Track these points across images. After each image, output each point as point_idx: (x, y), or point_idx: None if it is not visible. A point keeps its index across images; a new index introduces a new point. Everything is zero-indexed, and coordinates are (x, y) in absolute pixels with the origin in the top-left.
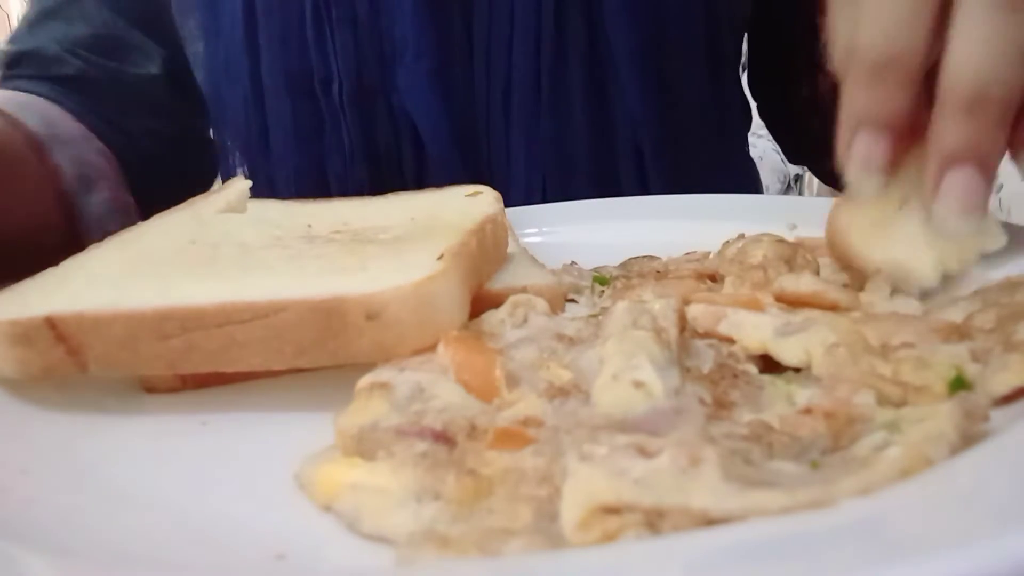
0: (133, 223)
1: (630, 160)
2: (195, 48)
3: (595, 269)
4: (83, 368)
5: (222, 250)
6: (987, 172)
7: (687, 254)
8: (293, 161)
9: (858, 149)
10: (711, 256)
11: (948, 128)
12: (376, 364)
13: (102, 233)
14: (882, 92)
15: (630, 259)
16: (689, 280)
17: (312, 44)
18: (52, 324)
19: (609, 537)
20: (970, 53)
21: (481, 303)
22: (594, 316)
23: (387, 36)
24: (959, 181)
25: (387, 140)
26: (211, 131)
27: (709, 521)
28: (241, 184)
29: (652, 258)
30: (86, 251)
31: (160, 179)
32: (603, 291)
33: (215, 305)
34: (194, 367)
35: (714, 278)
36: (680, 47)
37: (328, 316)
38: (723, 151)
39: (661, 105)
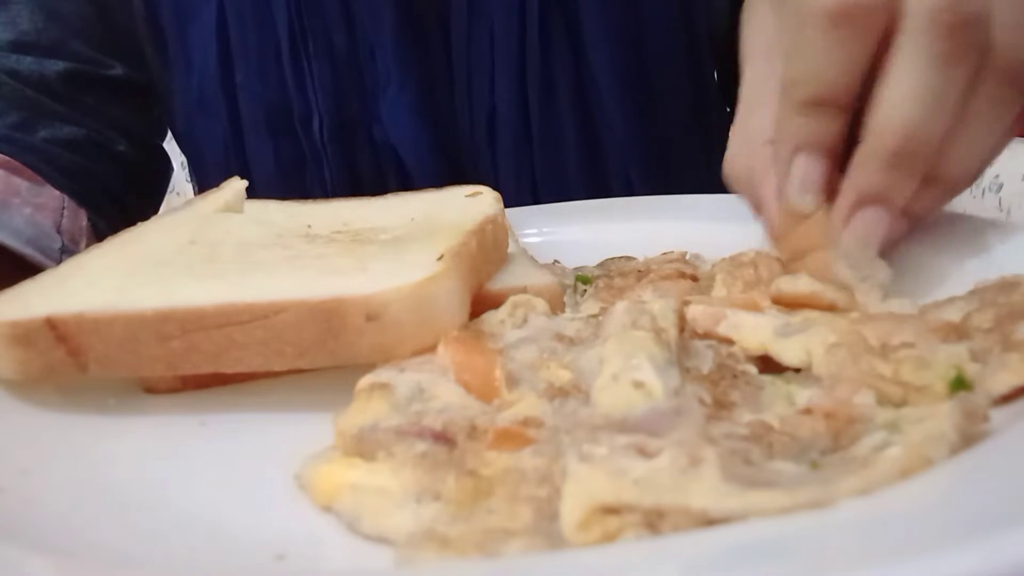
0: (89, 234)
1: (622, 187)
2: (165, 78)
3: (576, 268)
4: (83, 369)
5: (222, 250)
6: (894, 213)
7: (664, 254)
8: (274, 197)
9: (796, 171)
10: (687, 255)
11: (868, 172)
12: (376, 365)
13: (56, 251)
14: (814, 123)
15: (608, 259)
16: (683, 281)
17: (290, 80)
18: (53, 325)
19: (609, 537)
20: (900, 104)
21: (481, 303)
22: (594, 316)
23: (367, 68)
24: (868, 218)
25: (370, 172)
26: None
27: (709, 521)
28: (237, 184)
29: (629, 258)
30: (86, 251)
31: (94, 189)
32: (585, 290)
33: (215, 307)
34: (194, 368)
35: (695, 278)
36: (662, 67)
37: (328, 317)
38: (711, 163)
39: (646, 129)
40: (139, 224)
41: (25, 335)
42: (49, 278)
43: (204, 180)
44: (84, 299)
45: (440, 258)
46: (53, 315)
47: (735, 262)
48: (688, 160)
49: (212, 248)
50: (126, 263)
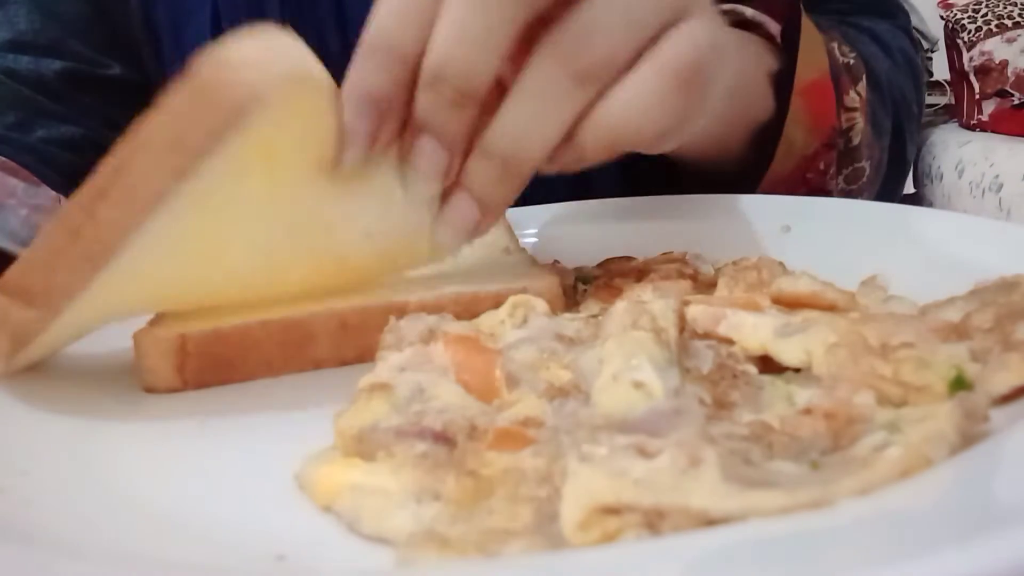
0: None
1: (604, 188)
2: (161, 78)
3: (576, 268)
4: (40, 319)
5: None
6: (447, 146)
7: (664, 254)
8: None
9: (348, 121)
10: (687, 255)
11: (417, 100)
12: (377, 361)
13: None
14: (368, 71)
15: (608, 259)
16: (683, 281)
17: None
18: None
19: (609, 537)
20: (439, 35)
21: (481, 303)
22: (594, 316)
23: None
24: (422, 146)
25: None
26: None
27: (709, 521)
28: None
29: (629, 258)
30: None
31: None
32: (585, 290)
33: (104, 172)
34: (109, 243)
35: (695, 278)
36: None
37: (191, 92)
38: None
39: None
40: None
41: None
42: None
43: None
44: None
45: None
46: None
47: (739, 266)
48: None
49: None
50: None
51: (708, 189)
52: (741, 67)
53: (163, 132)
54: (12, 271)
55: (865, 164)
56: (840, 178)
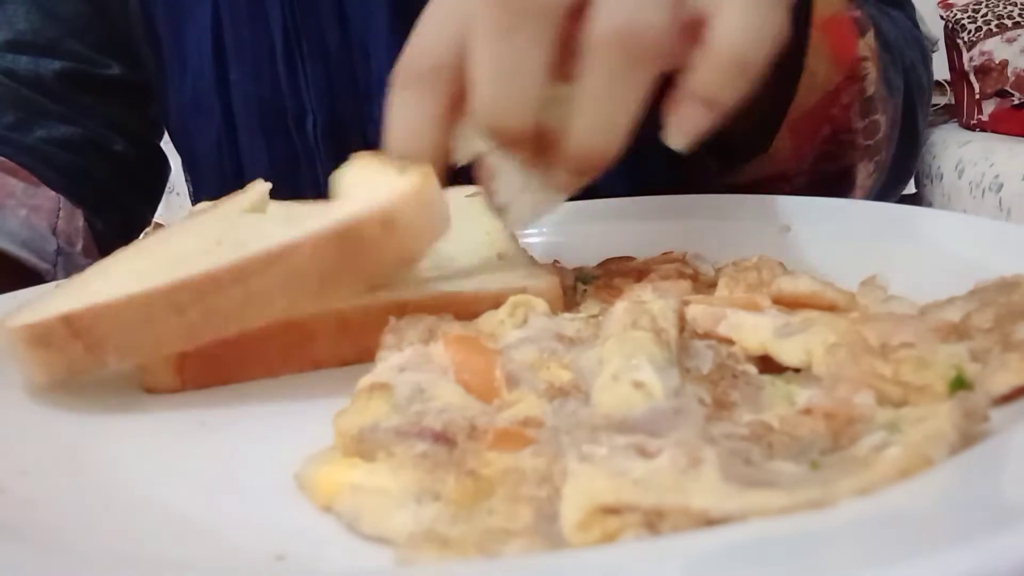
0: (86, 234)
1: (606, 187)
2: (160, 77)
3: (576, 268)
4: (103, 363)
5: (249, 248)
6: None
7: (664, 254)
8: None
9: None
10: (687, 255)
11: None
12: (377, 361)
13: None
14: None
15: (608, 259)
16: (683, 281)
17: (284, 79)
18: (68, 322)
19: (609, 537)
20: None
21: (481, 303)
22: (594, 316)
23: (361, 68)
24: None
25: None
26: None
27: (709, 521)
28: (262, 186)
29: (629, 258)
30: (111, 256)
31: (91, 189)
32: (585, 290)
33: (228, 264)
34: (215, 332)
35: (695, 278)
36: None
37: (344, 239)
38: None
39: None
40: (165, 228)
41: (42, 335)
42: (73, 283)
43: (198, 179)
44: (100, 294)
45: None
46: (68, 312)
47: (739, 266)
48: (670, 159)
49: (238, 247)
50: (150, 263)
51: (731, 136)
52: None
53: (311, 265)
54: (86, 315)
55: (880, 118)
56: (862, 124)
